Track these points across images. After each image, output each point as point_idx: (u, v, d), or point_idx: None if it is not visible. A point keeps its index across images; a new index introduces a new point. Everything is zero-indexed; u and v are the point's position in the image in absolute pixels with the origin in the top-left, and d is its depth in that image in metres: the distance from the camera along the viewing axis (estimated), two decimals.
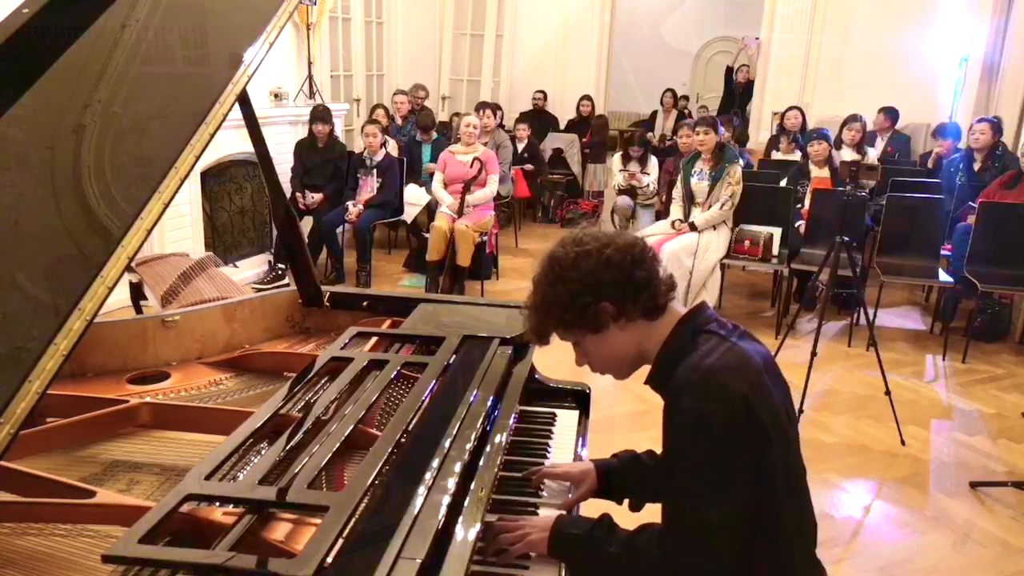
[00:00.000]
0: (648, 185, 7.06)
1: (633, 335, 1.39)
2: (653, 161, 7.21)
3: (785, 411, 1.37)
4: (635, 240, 1.40)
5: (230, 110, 1.69)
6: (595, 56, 9.18)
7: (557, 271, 1.36)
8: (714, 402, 1.25)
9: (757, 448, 1.27)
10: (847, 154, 5.88)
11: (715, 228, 5.09)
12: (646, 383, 1.45)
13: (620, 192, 7.24)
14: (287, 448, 1.40)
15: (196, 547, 1.16)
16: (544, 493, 1.63)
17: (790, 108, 7.14)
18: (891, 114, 7.09)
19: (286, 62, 6.46)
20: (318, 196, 5.95)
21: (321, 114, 6.00)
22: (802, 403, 3.51)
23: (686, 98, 11.79)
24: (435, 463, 1.36)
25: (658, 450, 1.70)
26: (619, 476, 1.65)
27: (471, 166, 5.73)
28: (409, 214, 6.28)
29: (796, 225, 5.44)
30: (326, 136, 6.04)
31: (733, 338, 1.37)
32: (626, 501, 1.69)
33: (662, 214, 6.44)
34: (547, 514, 1.56)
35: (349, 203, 5.95)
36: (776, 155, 6.89)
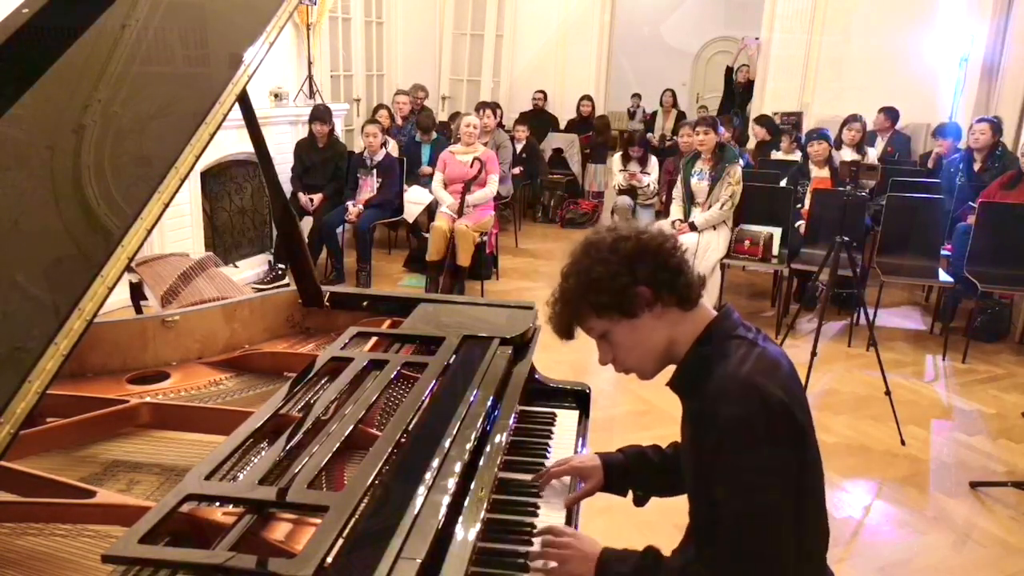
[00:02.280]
0: (648, 185, 7.07)
1: (665, 326, 1.38)
2: (653, 161, 7.23)
3: (808, 411, 1.37)
4: (669, 235, 1.43)
5: (230, 110, 1.69)
6: (595, 56, 9.18)
7: (594, 254, 1.35)
8: (754, 410, 1.24)
9: (797, 450, 1.27)
10: (847, 154, 5.88)
11: (715, 228, 5.09)
12: (668, 385, 1.43)
13: (620, 192, 7.25)
14: (287, 448, 1.40)
15: (196, 547, 1.16)
16: (544, 493, 1.63)
17: (761, 116, 7.24)
18: (891, 114, 7.09)
19: (286, 62, 6.46)
20: (318, 197, 5.96)
21: (320, 114, 5.99)
22: None
23: (638, 96, 11.96)
24: (435, 463, 1.36)
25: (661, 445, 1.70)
26: (625, 471, 1.65)
27: (471, 166, 5.73)
28: (411, 213, 6.27)
29: (796, 225, 5.44)
30: (326, 136, 6.03)
31: (760, 341, 1.37)
32: (630, 495, 1.69)
33: (662, 214, 6.45)
34: (548, 512, 1.56)
35: (349, 203, 5.95)
36: (776, 155, 6.90)
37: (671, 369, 1.43)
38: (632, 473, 1.65)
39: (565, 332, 1.43)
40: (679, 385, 1.41)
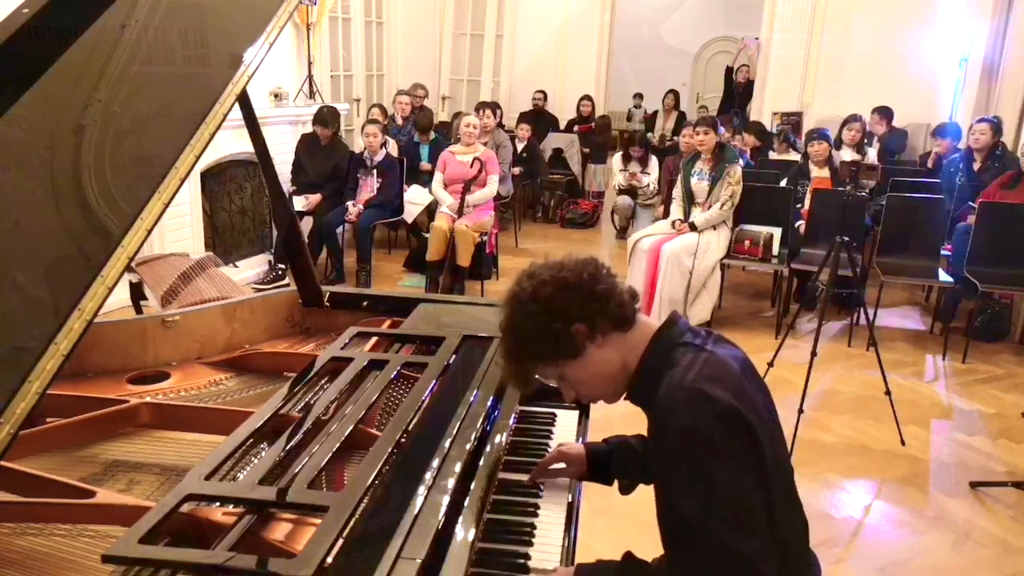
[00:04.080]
0: (648, 185, 7.07)
1: (612, 350, 1.38)
2: (654, 161, 7.23)
3: (767, 410, 1.36)
4: (588, 259, 1.40)
5: (230, 110, 1.69)
6: (595, 56, 9.17)
7: (520, 309, 1.35)
8: (704, 417, 1.23)
9: (753, 451, 1.27)
10: (847, 154, 5.88)
11: (715, 228, 5.09)
12: (626, 399, 1.43)
13: (620, 192, 7.26)
14: (287, 448, 1.40)
15: (196, 547, 1.16)
16: (543, 493, 1.63)
17: (752, 123, 7.26)
18: (885, 113, 7.11)
19: (286, 62, 6.46)
20: (314, 197, 5.95)
21: (323, 117, 5.97)
22: (802, 403, 3.51)
23: (640, 96, 11.99)
24: (435, 463, 1.36)
25: None
26: (609, 459, 1.66)
27: (471, 166, 5.73)
28: (410, 214, 6.27)
29: (796, 225, 5.44)
30: (328, 138, 6.03)
31: (708, 345, 1.36)
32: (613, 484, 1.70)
33: (662, 214, 6.44)
34: (548, 512, 1.56)
35: (349, 203, 5.95)
36: (771, 155, 6.91)
37: None
38: (615, 461, 1.66)
39: (522, 386, 1.45)
40: (635, 400, 1.42)
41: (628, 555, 1.39)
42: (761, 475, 1.27)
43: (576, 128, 8.57)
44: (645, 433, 1.69)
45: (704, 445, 1.24)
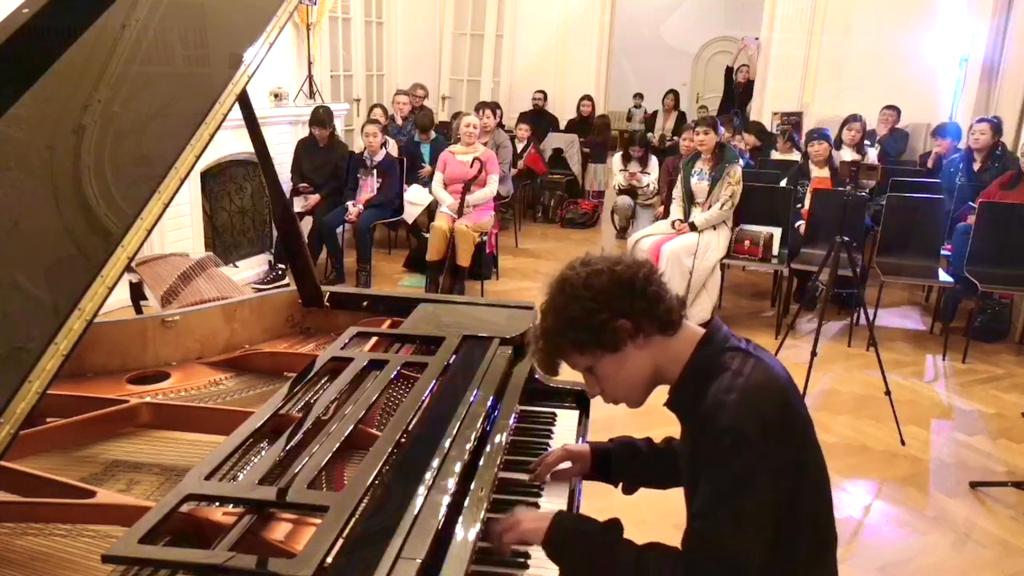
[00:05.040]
0: (648, 185, 7.07)
1: (650, 354, 1.37)
2: (653, 161, 7.23)
3: (807, 419, 1.36)
4: (643, 260, 1.40)
5: (230, 110, 1.69)
6: (595, 56, 9.18)
7: (569, 292, 1.34)
8: (749, 420, 1.23)
9: (797, 457, 1.27)
10: (847, 154, 5.88)
11: (715, 228, 5.09)
12: (666, 406, 1.42)
13: (620, 192, 7.26)
14: (287, 448, 1.40)
15: (196, 547, 1.16)
16: (543, 492, 1.63)
17: (752, 123, 7.22)
18: (894, 111, 7.13)
19: (286, 62, 6.46)
20: (313, 198, 5.94)
21: (320, 118, 5.96)
22: None
23: (640, 96, 12.02)
24: (435, 463, 1.36)
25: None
26: (615, 459, 1.66)
27: (471, 166, 5.73)
28: (410, 214, 6.27)
29: (796, 225, 5.44)
30: (326, 138, 6.03)
31: (752, 350, 1.36)
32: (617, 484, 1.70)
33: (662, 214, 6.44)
34: (549, 510, 1.56)
35: (349, 203, 5.95)
36: (774, 155, 6.91)
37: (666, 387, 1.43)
38: (617, 459, 1.66)
39: (549, 368, 1.43)
40: (677, 405, 1.41)
41: (614, 520, 1.37)
42: (800, 481, 1.27)
43: (583, 139, 8.53)
44: (652, 437, 1.70)
45: (743, 445, 1.23)
